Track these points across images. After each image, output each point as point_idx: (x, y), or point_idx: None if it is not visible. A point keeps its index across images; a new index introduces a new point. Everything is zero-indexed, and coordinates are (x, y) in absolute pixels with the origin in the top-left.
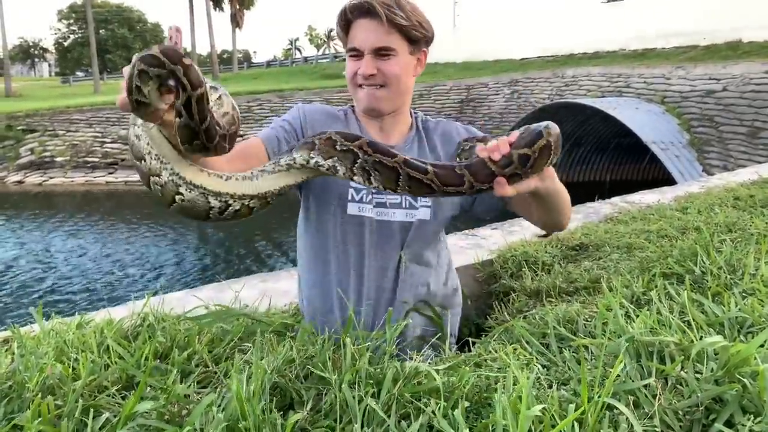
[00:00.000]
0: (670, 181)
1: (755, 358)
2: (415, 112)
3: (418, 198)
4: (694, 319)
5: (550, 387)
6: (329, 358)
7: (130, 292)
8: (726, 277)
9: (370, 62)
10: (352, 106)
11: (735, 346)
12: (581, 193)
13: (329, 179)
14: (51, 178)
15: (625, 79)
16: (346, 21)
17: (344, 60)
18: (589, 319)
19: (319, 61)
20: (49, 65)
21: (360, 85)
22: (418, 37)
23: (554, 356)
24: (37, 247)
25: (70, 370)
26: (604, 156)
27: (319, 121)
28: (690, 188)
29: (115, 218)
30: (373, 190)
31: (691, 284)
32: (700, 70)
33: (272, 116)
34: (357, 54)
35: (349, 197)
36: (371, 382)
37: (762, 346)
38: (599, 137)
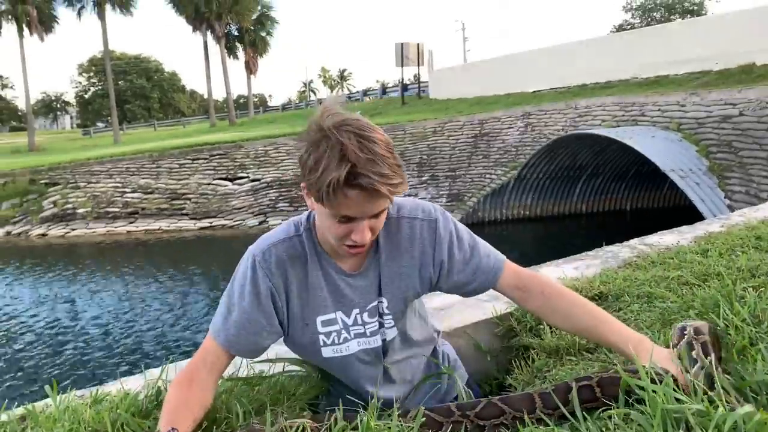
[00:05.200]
0: (691, 207)
1: None
2: None
3: (386, 320)
4: (720, 384)
5: None
6: None
7: (148, 346)
8: (751, 330)
9: (367, 227)
10: (308, 224)
11: (762, 415)
12: (602, 223)
13: (298, 333)
14: (73, 229)
15: (640, 108)
16: (336, 193)
17: (357, 100)
18: None
19: None
20: (71, 117)
21: (349, 246)
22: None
23: (577, 424)
24: (57, 303)
25: None
26: (623, 185)
27: (288, 276)
28: (710, 227)
29: (136, 268)
30: (352, 331)
31: None
32: (714, 95)
33: (288, 159)
34: (348, 220)
35: (321, 344)
36: None
37: None
38: (617, 166)
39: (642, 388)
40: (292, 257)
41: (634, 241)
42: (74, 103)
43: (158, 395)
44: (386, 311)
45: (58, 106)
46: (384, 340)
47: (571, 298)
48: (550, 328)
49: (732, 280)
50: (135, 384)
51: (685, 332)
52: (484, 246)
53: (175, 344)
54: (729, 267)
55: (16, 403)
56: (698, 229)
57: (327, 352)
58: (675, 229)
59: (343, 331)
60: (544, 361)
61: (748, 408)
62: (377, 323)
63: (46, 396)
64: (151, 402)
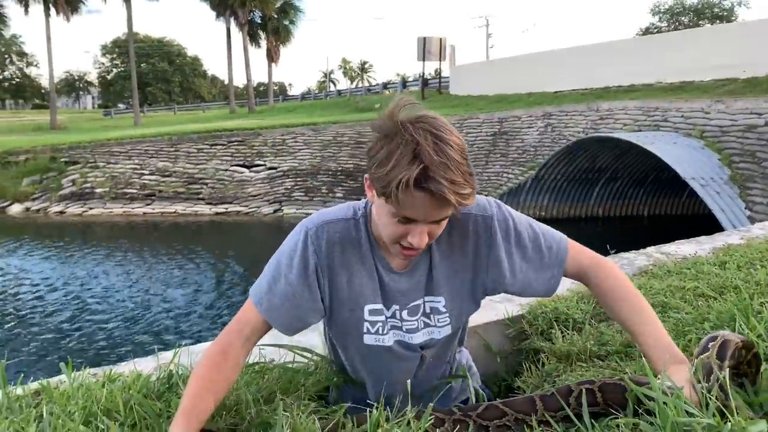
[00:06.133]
0: (710, 216)
1: None
2: None
3: (436, 319)
4: (732, 398)
5: None
6: None
7: (161, 329)
8: (766, 346)
9: (425, 233)
10: (365, 212)
11: None
12: (620, 228)
13: (344, 316)
14: (91, 208)
15: (663, 113)
16: (405, 188)
17: (376, 93)
18: None
19: (352, 93)
20: (93, 97)
21: (403, 246)
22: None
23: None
24: (73, 280)
25: None
26: (642, 190)
27: (336, 258)
28: (729, 239)
29: (151, 250)
30: (389, 323)
31: None
32: (740, 104)
33: (305, 149)
34: (409, 222)
35: (365, 330)
36: None
37: None
38: (636, 171)
39: (652, 399)
40: (344, 240)
41: (650, 249)
42: (96, 84)
43: (170, 378)
44: (443, 309)
45: (81, 86)
46: (431, 339)
47: (623, 293)
48: (562, 332)
49: (749, 294)
50: (147, 366)
51: (712, 344)
52: (546, 236)
53: (188, 327)
54: (747, 280)
55: (30, 378)
56: (717, 240)
57: (368, 340)
58: (693, 239)
59: (380, 322)
60: (554, 366)
61: (761, 424)
62: (418, 322)
63: (59, 372)
64: (163, 385)
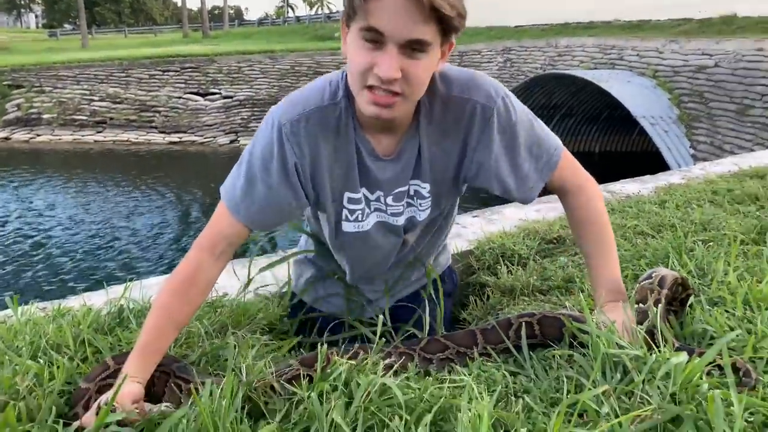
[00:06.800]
0: (658, 154)
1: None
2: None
3: (419, 203)
4: (660, 331)
5: (516, 396)
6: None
7: (111, 262)
8: (696, 282)
9: (396, 60)
10: (345, 90)
11: (690, 364)
12: None
13: (325, 204)
14: (38, 135)
15: (619, 52)
16: None
17: (337, 21)
18: None
19: (311, 21)
20: (36, 16)
21: (371, 87)
22: (456, 29)
23: (524, 362)
24: (19, 211)
25: (46, 370)
26: (595, 127)
27: (316, 151)
28: (671, 178)
29: (104, 179)
30: (372, 206)
31: None
32: (693, 44)
33: (262, 78)
34: (376, 40)
35: (344, 217)
36: (345, 392)
37: (712, 363)
38: (590, 108)
39: (587, 333)
40: (324, 131)
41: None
42: (40, 2)
43: (120, 313)
44: (426, 195)
45: (23, 2)
46: (412, 218)
47: (590, 224)
48: (507, 268)
49: (684, 232)
50: (98, 300)
51: (649, 281)
52: (542, 144)
53: (138, 260)
54: (683, 219)
55: None
56: (660, 179)
57: (347, 227)
58: (638, 178)
59: (365, 208)
60: (498, 299)
61: (681, 356)
62: (402, 206)
63: (6, 307)
64: (114, 319)
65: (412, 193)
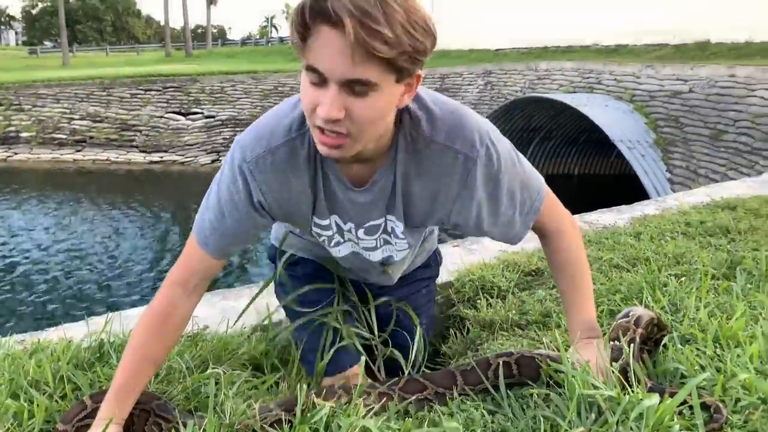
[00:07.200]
0: (635, 177)
1: (672, 418)
2: (408, 113)
3: (395, 241)
4: (633, 371)
5: None
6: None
7: (92, 288)
8: (669, 318)
9: (336, 99)
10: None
11: (661, 405)
12: (551, 186)
13: (297, 223)
14: (16, 153)
15: (597, 76)
16: (303, 24)
17: None
18: None
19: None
20: (16, 33)
21: (320, 127)
22: (409, 69)
23: (501, 401)
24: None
25: (26, 409)
26: (574, 149)
27: (281, 185)
28: (646, 209)
29: (82, 200)
30: (346, 236)
31: None
32: (668, 70)
33: (245, 98)
34: (318, 79)
35: (316, 236)
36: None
37: (684, 403)
38: (569, 131)
39: (561, 372)
40: (293, 162)
41: (574, 218)
42: (20, 19)
43: (100, 348)
44: (401, 236)
45: (2, 19)
46: (389, 257)
47: (569, 266)
48: (487, 301)
49: (658, 266)
50: (78, 332)
51: (626, 319)
52: (524, 190)
53: (120, 286)
54: (657, 252)
55: None
56: (636, 209)
57: (323, 250)
58: (614, 207)
59: (336, 236)
60: (478, 333)
61: (654, 398)
62: (376, 241)
63: None
64: (93, 354)
65: (389, 229)
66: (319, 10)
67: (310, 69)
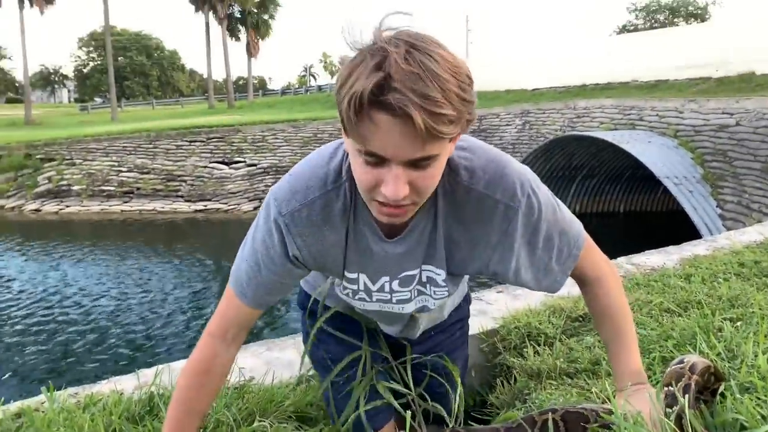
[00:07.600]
0: (683, 213)
1: None
2: (452, 163)
3: (433, 291)
4: (690, 422)
5: None
6: None
7: (141, 337)
8: (725, 365)
9: (402, 178)
10: (349, 171)
11: None
12: (595, 224)
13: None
14: (67, 206)
15: (638, 112)
16: (359, 114)
17: None
18: None
19: (332, 88)
20: (69, 91)
21: (380, 203)
22: (466, 125)
23: None
24: (48, 283)
25: None
26: (618, 187)
27: (311, 243)
28: (696, 249)
29: (133, 249)
30: (374, 296)
31: None
32: (712, 104)
33: (285, 146)
34: (378, 161)
35: (345, 295)
36: None
37: None
38: (612, 168)
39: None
40: (328, 216)
41: (621, 260)
42: (72, 77)
43: (150, 400)
44: (441, 284)
45: (56, 79)
46: (423, 307)
47: (611, 313)
48: (534, 348)
49: (711, 310)
50: (128, 384)
51: (680, 365)
52: (563, 237)
53: (172, 335)
54: (710, 295)
55: (7, 389)
56: (685, 250)
57: (353, 303)
58: (662, 249)
59: (361, 292)
60: (525, 383)
61: None
62: (410, 292)
63: (36, 382)
64: (144, 407)
65: (424, 279)
66: (381, 104)
67: (369, 153)
